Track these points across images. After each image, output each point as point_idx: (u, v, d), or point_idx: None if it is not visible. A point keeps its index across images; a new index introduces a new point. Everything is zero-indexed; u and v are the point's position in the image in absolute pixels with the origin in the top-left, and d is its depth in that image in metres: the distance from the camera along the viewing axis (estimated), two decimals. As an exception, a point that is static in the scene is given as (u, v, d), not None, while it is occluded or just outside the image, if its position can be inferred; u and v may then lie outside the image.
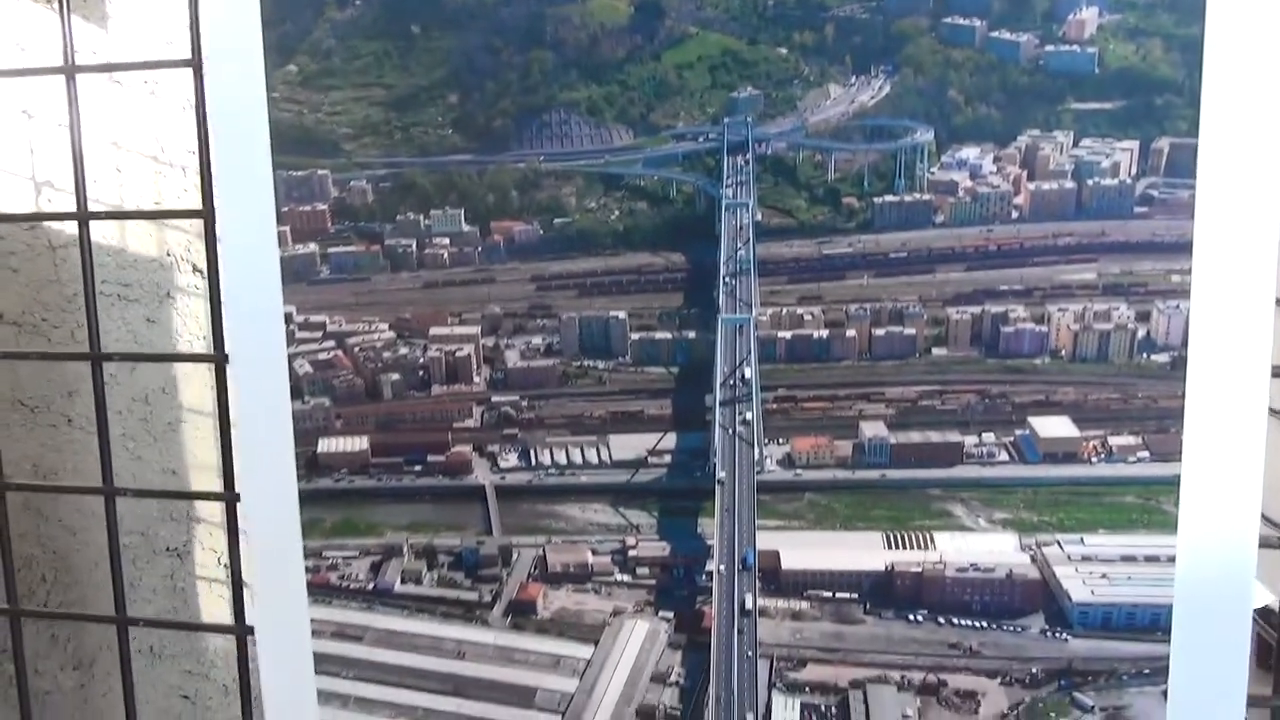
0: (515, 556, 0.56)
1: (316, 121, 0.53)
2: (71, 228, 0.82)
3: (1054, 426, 0.49)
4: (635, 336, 0.52)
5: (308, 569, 0.58)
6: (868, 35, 0.47)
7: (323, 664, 0.59)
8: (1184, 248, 0.46)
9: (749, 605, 0.54)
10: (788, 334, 0.51)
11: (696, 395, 0.52)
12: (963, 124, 0.47)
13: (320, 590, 0.58)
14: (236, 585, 0.62)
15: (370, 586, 0.58)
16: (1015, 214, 0.48)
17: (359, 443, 0.56)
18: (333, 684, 0.59)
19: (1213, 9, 0.43)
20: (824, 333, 0.51)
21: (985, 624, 0.51)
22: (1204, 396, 0.47)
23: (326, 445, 0.57)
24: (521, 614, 0.57)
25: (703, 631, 0.54)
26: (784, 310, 0.51)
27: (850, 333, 0.50)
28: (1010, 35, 0.46)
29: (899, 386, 0.50)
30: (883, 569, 0.52)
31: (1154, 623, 0.49)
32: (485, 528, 0.56)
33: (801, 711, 0.54)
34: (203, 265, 0.89)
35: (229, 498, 0.60)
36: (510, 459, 0.55)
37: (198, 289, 0.92)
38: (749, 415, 0.52)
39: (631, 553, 0.55)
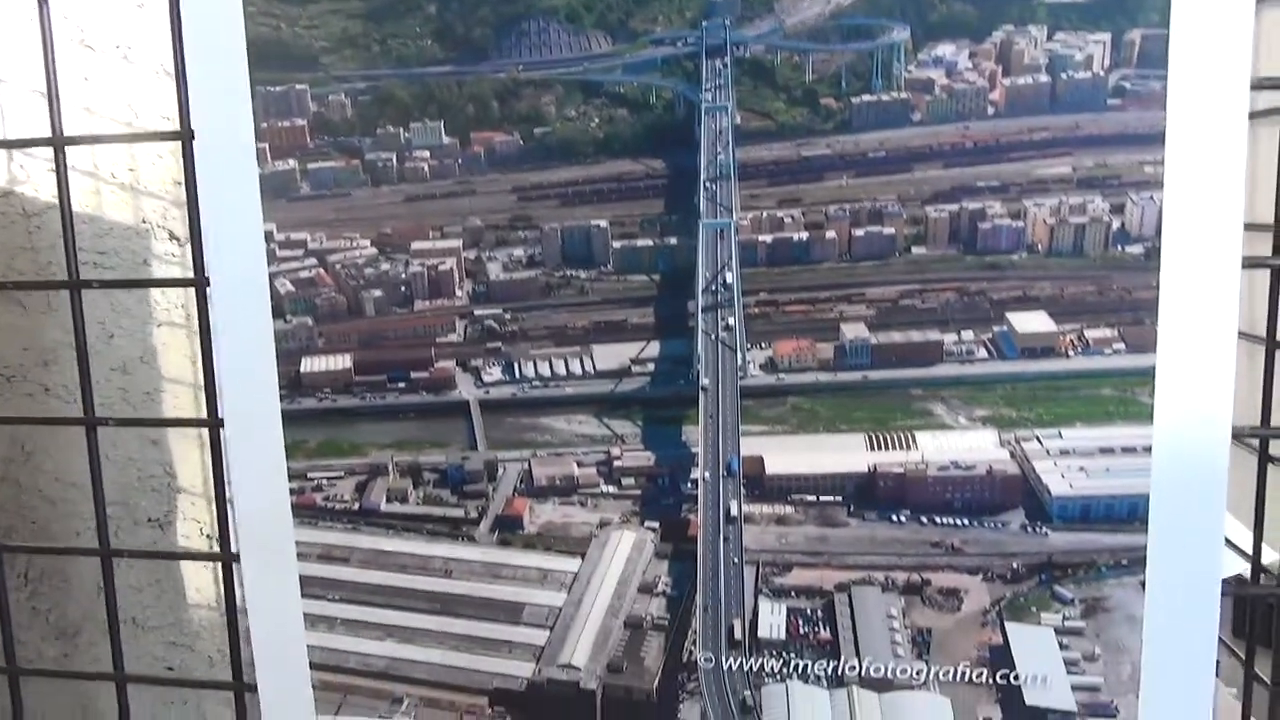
0: (501, 472, 0.56)
1: (294, 35, 0.53)
2: (46, 195, 0.82)
3: (1032, 322, 0.50)
4: (617, 245, 0.53)
5: (292, 491, 0.58)
6: (843, -65, 0.48)
7: (309, 587, 0.59)
8: (1157, 138, 0.46)
9: (734, 512, 0.54)
10: (768, 237, 0.51)
11: (679, 302, 0.53)
12: (938, 21, 0.48)
13: (305, 512, 0.58)
14: (221, 513, 0.62)
15: (356, 507, 0.58)
16: (991, 110, 0.49)
17: (342, 361, 0.56)
18: (320, 607, 0.59)
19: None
20: (804, 235, 0.51)
21: (967, 522, 0.52)
22: (1177, 287, 0.48)
23: (309, 365, 0.56)
24: (508, 529, 0.57)
25: (689, 540, 0.55)
26: (764, 214, 0.51)
27: (830, 234, 0.51)
28: (983, -68, 0.47)
29: (879, 287, 0.51)
30: (865, 470, 0.53)
31: (1131, 513, 0.50)
32: (470, 443, 0.56)
33: (787, 616, 0.54)
34: (179, 233, 0.88)
35: (212, 423, 0.60)
36: (494, 373, 0.55)
37: (174, 257, 0.91)
38: (731, 321, 0.52)
39: (617, 464, 0.55)
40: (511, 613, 0.57)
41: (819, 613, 0.54)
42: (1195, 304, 0.47)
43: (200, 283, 0.58)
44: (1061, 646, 0.52)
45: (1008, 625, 0.53)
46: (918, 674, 0.54)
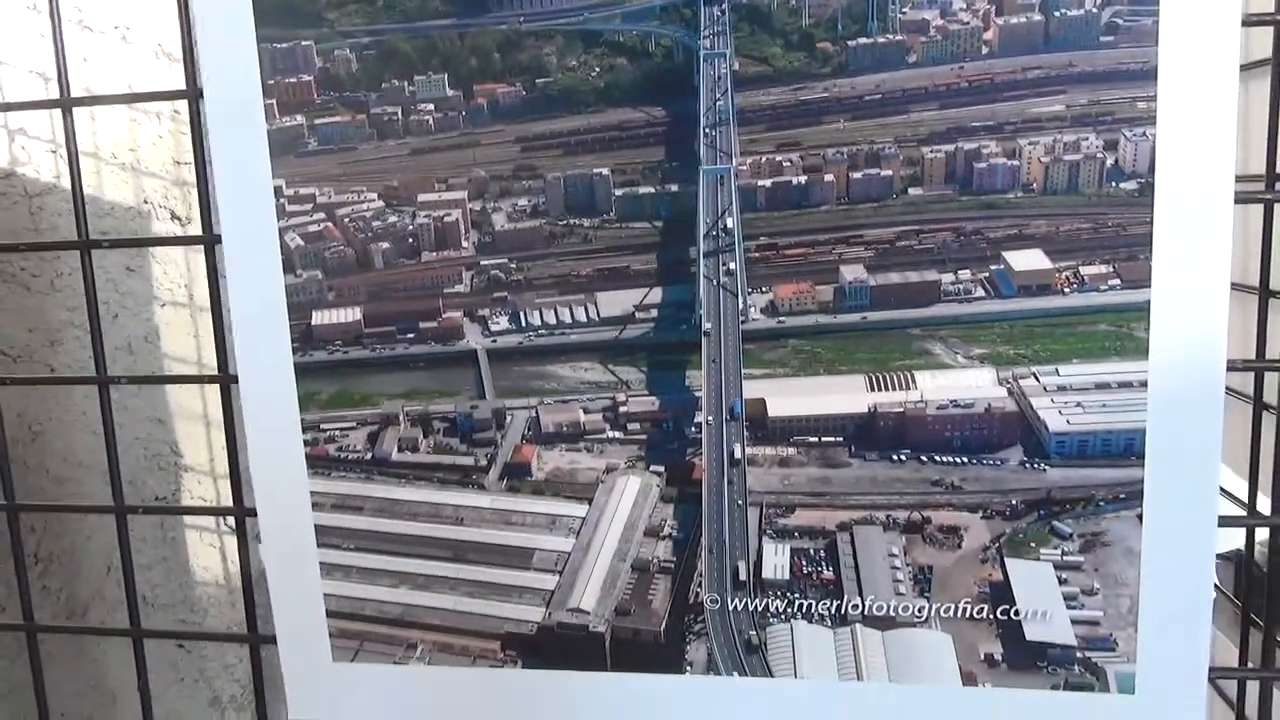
0: (509, 419, 0.57)
1: (298, -9, 0.54)
2: (48, 176, 0.83)
3: (1028, 259, 0.51)
4: (619, 192, 0.54)
5: (306, 443, 0.59)
6: (837, -120, 0.48)
7: (324, 536, 0.60)
8: (1149, 74, 0.47)
9: (738, 455, 0.55)
10: (767, 182, 0.52)
11: (680, 248, 0.54)
12: (932, -39, 0.49)
13: (319, 463, 0.59)
14: (235, 467, 0.63)
15: (368, 457, 0.59)
16: (985, 50, 0.49)
17: (352, 313, 0.57)
18: (335, 556, 0.60)
19: None
20: (802, 179, 0.52)
21: (966, 459, 0.53)
22: (1171, 221, 0.48)
23: (320, 318, 0.58)
24: (517, 476, 0.58)
25: (693, 483, 0.56)
26: (763, 158, 0.52)
27: (828, 177, 0.52)
28: (976, -127, 0.47)
29: (877, 228, 0.52)
30: (866, 411, 0.54)
31: (1128, 448, 0.51)
32: (479, 392, 0.57)
33: (791, 556, 0.56)
34: (180, 212, 0.89)
35: (226, 379, 0.61)
36: (501, 322, 0.56)
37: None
38: (732, 265, 0.53)
39: (622, 409, 0.56)
40: (521, 558, 0.59)
41: (822, 553, 0.55)
42: (1189, 238, 0.48)
43: (209, 240, 0.60)
44: (1061, 581, 0.53)
45: (1007, 561, 0.54)
46: (919, 611, 0.55)
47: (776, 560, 0.56)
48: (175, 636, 0.82)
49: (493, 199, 0.55)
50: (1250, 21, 0.48)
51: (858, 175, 0.51)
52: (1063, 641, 0.53)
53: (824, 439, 0.54)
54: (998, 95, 0.49)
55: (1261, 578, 0.54)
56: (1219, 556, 0.59)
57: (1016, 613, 0.54)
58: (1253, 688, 0.58)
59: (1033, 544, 0.53)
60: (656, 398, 0.55)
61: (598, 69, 0.53)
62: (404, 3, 0.53)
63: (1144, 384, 0.50)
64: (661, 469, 0.56)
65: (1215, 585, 0.59)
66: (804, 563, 0.55)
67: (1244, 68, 0.53)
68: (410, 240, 0.56)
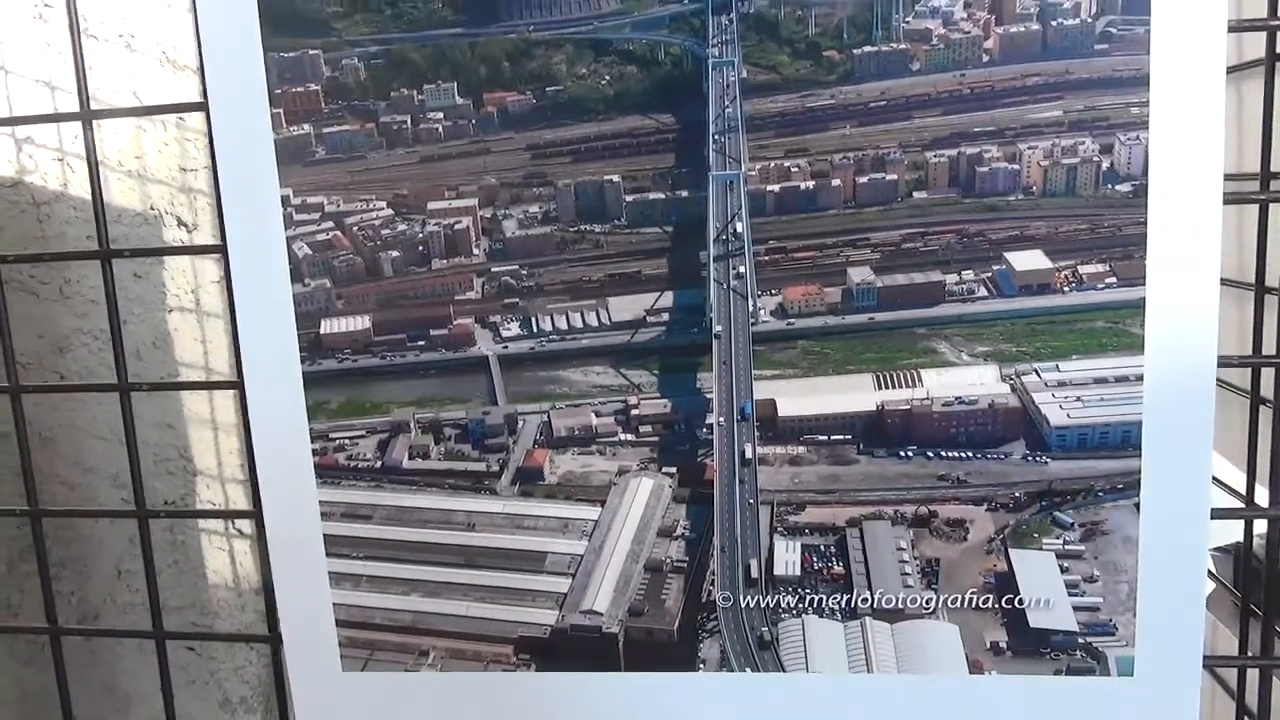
0: (521, 424, 0.58)
1: (305, 1, 0.54)
2: (54, 183, 0.82)
3: (1028, 260, 0.52)
4: (630, 198, 0.54)
5: (315, 451, 0.59)
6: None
7: (333, 546, 0.60)
8: (1142, 81, 0.49)
9: (749, 454, 0.56)
10: (776, 187, 0.53)
11: (691, 252, 0.55)
12: (934, -27, 0.50)
13: (328, 472, 0.59)
14: (252, 471, 0.63)
15: (378, 465, 0.59)
16: (985, 58, 0.51)
17: (361, 322, 0.58)
18: (345, 565, 0.60)
19: None
20: (810, 183, 0.53)
21: (971, 454, 0.55)
22: (1164, 222, 0.50)
23: (329, 326, 0.58)
24: (529, 481, 0.58)
25: (705, 484, 0.57)
26: (771, 164, 0.53)
27: (835, 182, 0.53)
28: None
29: (883, 231, 0.53)
30: (874, 409, 0.55)
31: (1125, 440, 0.53)
32: (490, 398, 0.58)
33: (802, 553, 0.57)
34: (187, 219, 0.89)
35: (241, 384, 0.61)
36: (512, 328, 0.57)
37: (182, 243, 0.91)
38: (742, 269, 0.54)
39: (634, 412, 0.57)
40: (534, 562, 0.59)
41: (832, 548, 0.57)
42: (1181, 237, 0.50)
43: (225, 250, 0.59)
44: (1062, 570, 0.55)
45: (1011, 552, 0.55)
46: (927, 603, 0.56)
47: (787, 557, 0.57)
48: (198, 638, 0.82)
49: (503, 206, 0.55)
50: (1241, 27, 0.50)
51: (864, 180, 0.53)
52: (1065, 628, 0.55)
53: (833, 437, 0.56)
54: (998, 102, 0.51)
55: (1260, 569, 0.56)
56: (1219, 549, 0.62)
57: (1021, 601, 0.55)
58: (1252, 679, 0.60)
59: (1035, 534, 0.55)
60: (668, 400, 0.56)
61: (608, 77, 0.53)
62: (412, 12, 0.54)
63: (1140, 378, 0.52)
64: (674, 470, 0.57)
65: (1215, 577, 0.62)
66: (814, 559, 0.57)
67: (1238, 68, 0.55)
68: (420, 248, 0.56)
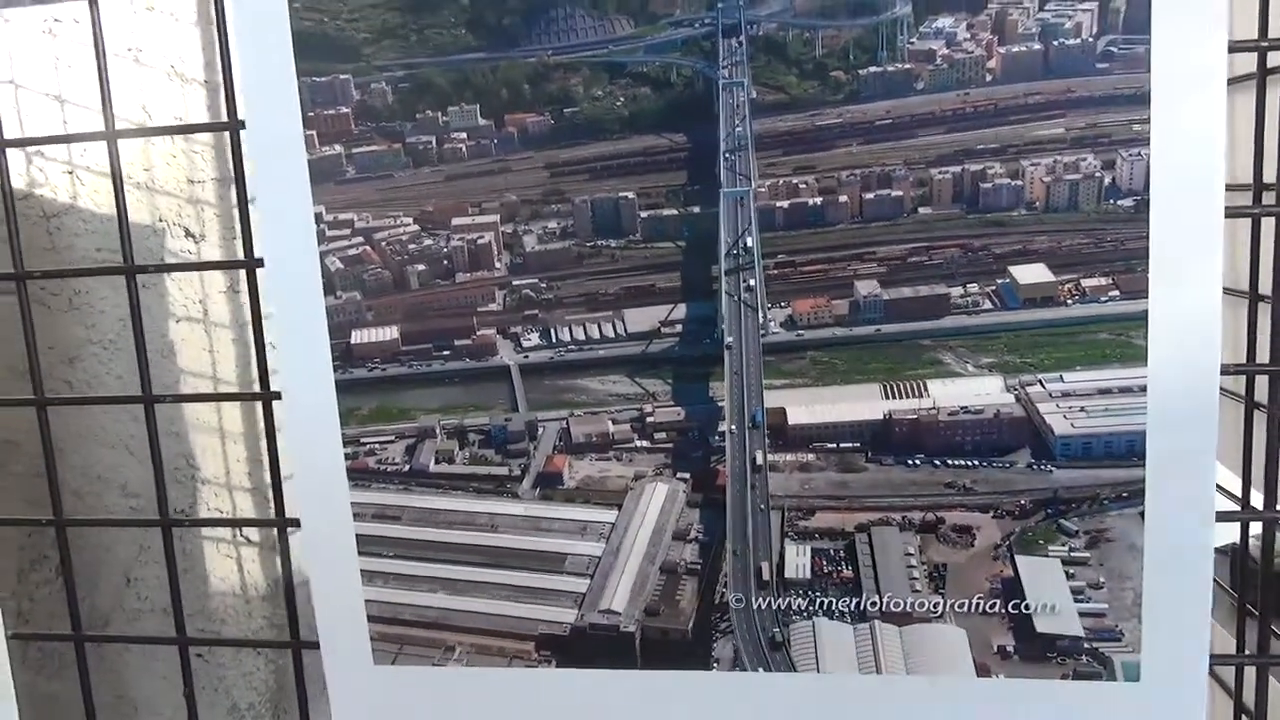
0: (541, 431, 0.60)
1: (336, 28, 0.57)
2: (64, 197, 0.85)
3: (1032, 273, 0.54)
4: (644, 214, 0.57)
5: (346, 456, 0.62)
6: (847, -82, 0.51)
7: (365, 545, 0.63)
8: (1143, 99, 0.50)
9: (760, 461, 0.58)
10: (785, 203, 0.55)
11: (703, 266, 0.57)
12: (937, -5, 0.52)
13: (359, 475, 0.62)
14: (276, 480, 0.66)
15: (406, 468, 0.62)
16: (989, 77, 0.52)
17: (390, 332, 0.60)
18: (375, 564, 0.63)
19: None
20: (818, 200, 0.55)
21: (977, 462, 0.56)
22: (1165, 236, 0.51)
23: (359, 336, 0.61)
24: (549, 485, 0.61)
25: (718, 489, 0.59)
26: (780, 181, 0.55)
27: (842, 198, 0.55)
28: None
29: (889, 245, 0.55)
30: (881, 418, 0.57)
31: (1129, 449, 0.54)
32: (511, 405, 0.60)
33: (812, 557, 0.59)
34: (194, 230, 0.92)
35: (267, 396, 0.64)
36: (532, 338, 0.59)
37: (190, 253, 0.94)
38: (752, 282, 0.56)
39: (649, 419, 0.59)
40: (554, 563, 0.61)
41: (841, 553, 0.58)
42: (1182, 251, 0.51)
43: (251, 264, 0.63)
44: (1068, 576, 0.56)
45: (1018, 558, 0.57)
46: (935, 607, 0.58)
47: (798, 560, 0.59)
48: (219, 644, 0.85)
49: (523, 222, 0.58)
50: (1236, 48, 0.51)
51: (870, 196, 0.54)
52: (1071, 633, 0.56)
53: (842, 445, 0.57)
54: (1001, 120, 0.52)
55: (1255, 570, 0.57)
56: (1215, 550, 0.62)
57: (1027, 607, 0.57)
58: (1250, 677, 0.61)
59: (1041, 541, 0.56)
60: (682, 408, 0.58)
61: (622, 98, 0.56)
62: (437, 38, 0.56)
63: (1143, 389, 0.53)
64: (687, 476, 0.59)
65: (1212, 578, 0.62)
66: (824, 562, 0.58)
67: (1232, 81, 0.56)
68: (445, 262, 0.59)
